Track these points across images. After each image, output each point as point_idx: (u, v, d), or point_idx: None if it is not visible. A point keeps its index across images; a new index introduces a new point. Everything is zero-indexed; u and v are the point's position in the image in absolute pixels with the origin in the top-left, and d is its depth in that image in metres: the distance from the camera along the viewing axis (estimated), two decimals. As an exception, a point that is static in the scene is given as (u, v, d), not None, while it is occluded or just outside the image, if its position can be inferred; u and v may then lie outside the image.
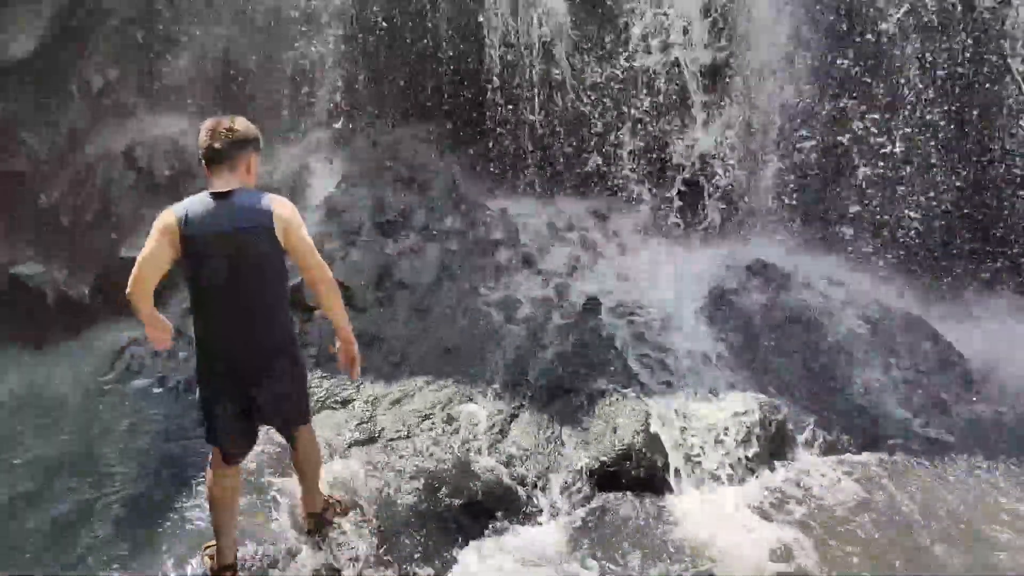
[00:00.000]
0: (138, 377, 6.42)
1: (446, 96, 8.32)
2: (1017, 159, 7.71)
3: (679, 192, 7.94)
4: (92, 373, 6.57)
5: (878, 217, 7.87)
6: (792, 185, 7.92)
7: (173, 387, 6.26)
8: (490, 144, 8.24)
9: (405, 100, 8.38)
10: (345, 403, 5.80)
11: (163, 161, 8.20)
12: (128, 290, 3.64)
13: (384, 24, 8.24)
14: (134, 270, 3.61)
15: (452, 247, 7.49)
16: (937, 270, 7.86)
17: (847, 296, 7.36)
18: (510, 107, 8.18)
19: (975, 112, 7.72)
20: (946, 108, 7.71)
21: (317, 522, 4.45)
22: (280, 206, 3.67)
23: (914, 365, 6.50)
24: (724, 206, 7.97)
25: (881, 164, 7.85)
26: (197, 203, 3.66)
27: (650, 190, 7.99)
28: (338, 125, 8.44)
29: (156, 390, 6.28)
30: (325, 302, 3.85)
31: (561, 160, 8.30)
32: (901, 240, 7.85)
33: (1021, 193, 7.75)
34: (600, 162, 8.09)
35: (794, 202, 7.94)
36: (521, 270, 7.52)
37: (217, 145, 3.68)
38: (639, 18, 7.99)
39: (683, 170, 7.94)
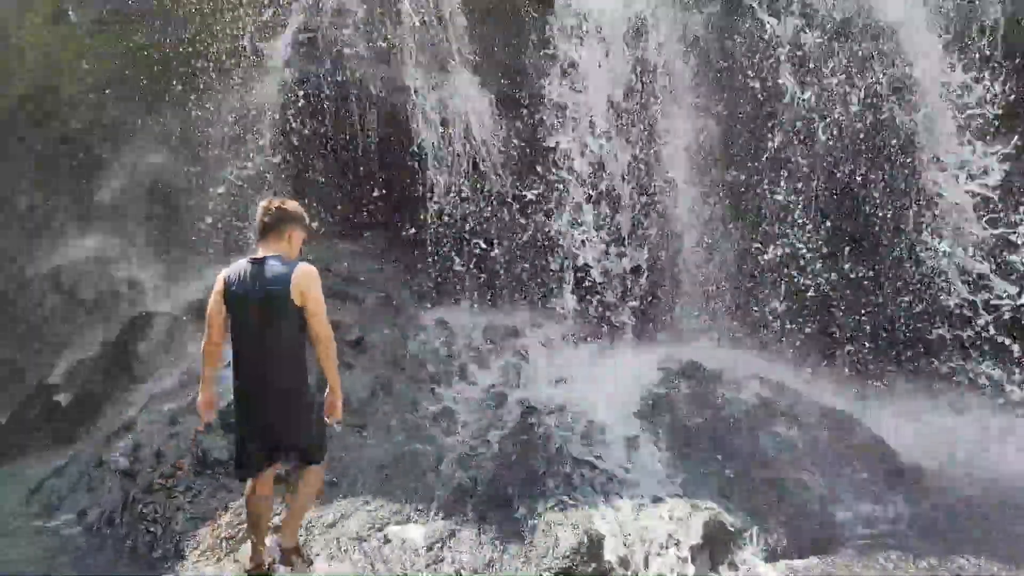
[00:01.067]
0: (57, 513, 6.08)
1: (380, 209, 8.40)
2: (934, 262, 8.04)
3: (608, 298, 8.06)
4: (9, 513, 6.18)
5: (806, 316, 8.08)
6: (723, 285, 8.12)
7: (93, 522, 5.91)
8: (425, 256, 8.31)
9: (339, 214, 8.42)
10: (277, 529, 5.59)
11: (89, 284, 8.06)
12: (203, 344, 4.55)
13: (316, 141, 8.35)
14: (206, 327, 4.53)
15: (388, 359, 7.43)
16: (869, 367, 8.05)
17: (781, 396, 7.44)
18: (443, 218, 8.29)
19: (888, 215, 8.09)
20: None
21: (293, 556, 4.94)
22: (299, 275, 4.41)
23: (851, 465, 6.56)
24: (652, 309, 8.11)
25: (805, 264, 8.12)
26: (238, 268, 4.52)
27: (582, 297, 8.08)
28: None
29: (71, 530, 5.93)
30: (320, 355, 4.50)
31: (496, 270, 8.39)
32: (833, 338, 8.07)
33: (944, 289, 8.06)
34: (529, 269, 8.18)
35: (724, 303, 8.12)
36: (458, 381, 7.48)
37: (266, 219, 4.53)
38: (563, 133, 8.27)
39: (612, 276, 8.07)
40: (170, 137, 8.73)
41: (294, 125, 8.19)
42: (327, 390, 4.62)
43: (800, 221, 8.01)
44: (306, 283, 4.41)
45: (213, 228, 8.30)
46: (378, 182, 8.41)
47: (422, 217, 8.30)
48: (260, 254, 4.50)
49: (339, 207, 8.37)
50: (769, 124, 8.14)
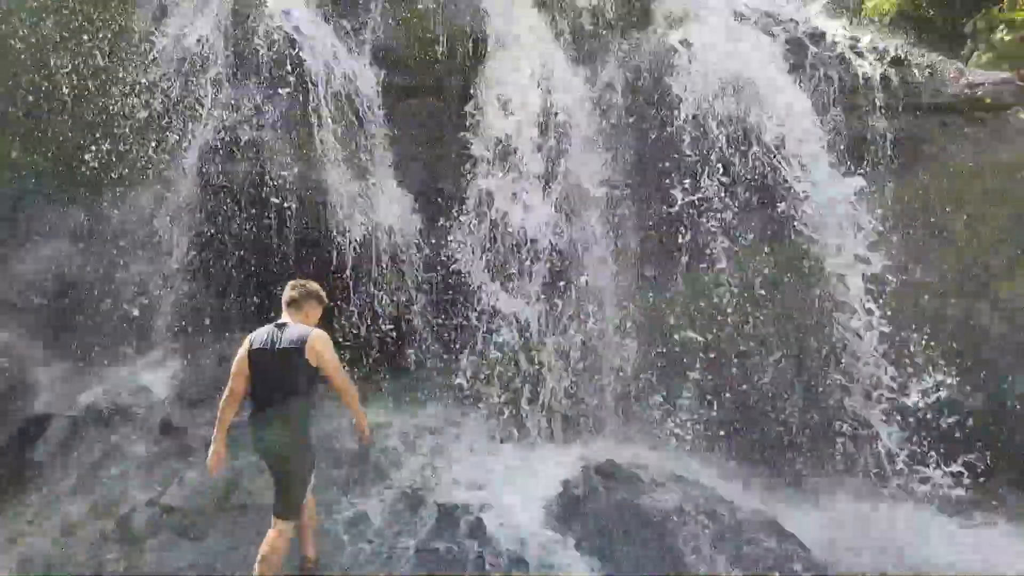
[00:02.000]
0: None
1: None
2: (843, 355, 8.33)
3: (529, 396, 8.06)
4: None
5: (716, 414, 8.22)
6: (640, 385, 8.22)
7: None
8: (342, 355, 8.17)
9: (250, 314, 8.24)
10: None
11: (-13, 382, 7.67)
12: (224, 397, 5.29)
13: (230, 239, 8.24)
14: (229, 381, 5.34)
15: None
16: (777, 460, 8.19)
17: (695, 493, 7.49)
18: (361, 317, 8.22)
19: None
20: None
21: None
22: (313, 338, 5.30)
23: (763, 563, 6.59)
24: (570, 409, 8.13)
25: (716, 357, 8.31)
26: (265, 329, 5.44)
27: (499, 395, 8.06)
28: (176, 345, 8.18)
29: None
30: (346, 402, 5.52)
31: (413, 369, 8.32)
32: (743, 434, 8.20)
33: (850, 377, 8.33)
34: (441, 367, 8.15)
35: (640, 402, 8.21)
36: (374, 483, 7.30)
37: (293, 293, 5.55)
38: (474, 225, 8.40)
39: (524, 373, 8.09)
40: (78, 230, 8.49)
41: (208, 225, 8.07)
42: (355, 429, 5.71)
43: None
44: (320, 345, 5.30)
45: (119, 326, 8.05)
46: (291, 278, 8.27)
47: (337, 316, 8.21)
48: (283, 320, 5.45)
49: (252, 306, 8.19)
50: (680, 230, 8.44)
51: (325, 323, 7.50)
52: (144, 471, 7.10)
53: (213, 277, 8.12)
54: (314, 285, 5.67)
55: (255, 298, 8.10)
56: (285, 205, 7.99)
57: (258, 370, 5.29)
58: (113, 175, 8.15)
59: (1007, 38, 13.78)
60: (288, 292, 5.58)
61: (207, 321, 8.09)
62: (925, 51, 9.17)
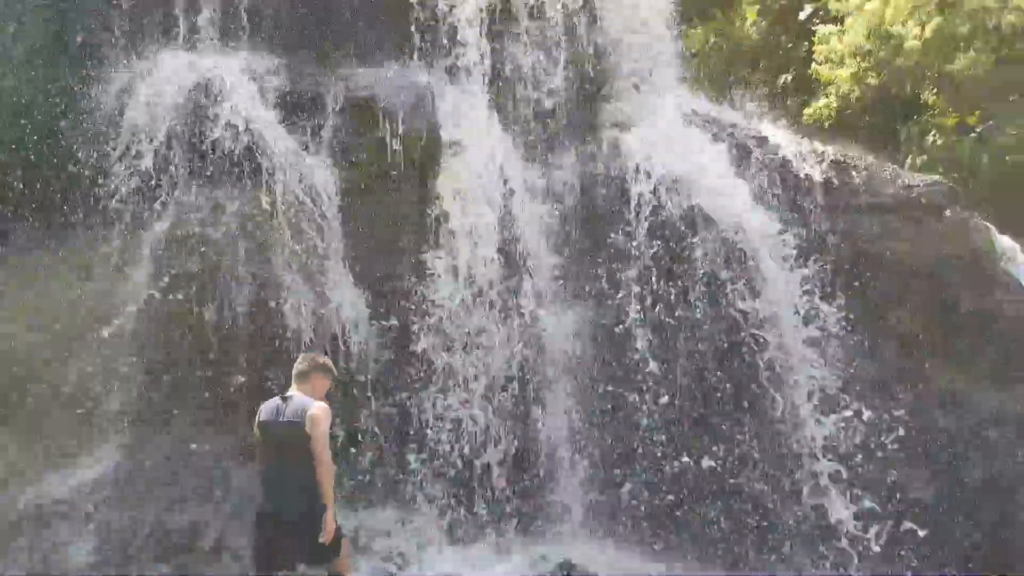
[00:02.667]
0: None
1: (244, 404, 8.12)
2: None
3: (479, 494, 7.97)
4: None
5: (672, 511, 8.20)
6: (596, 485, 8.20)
7: None
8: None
9: (202, 409, 8.07)
10: None
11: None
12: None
13: (180, 334, 8.10)
14: None
15: (245, 567, 6.98)
16: (740, 562, 8.17)
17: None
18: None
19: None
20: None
21: None
22: (315, 410, 5.44)
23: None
24: (525, 504, 8.06)
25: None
26: (272, 402, 5.69)
27: (452, 494, 7.96)
28: (125, 440, 7.94)
29: None
30: (319, 473, 5.42)
31: (365, 468, 8.18)
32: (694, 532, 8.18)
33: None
34: (393, 471, 8.04)
35: (598, 499, 8.17)
36: (322, 589, 7.08)
37: (301, 366, 5.75)
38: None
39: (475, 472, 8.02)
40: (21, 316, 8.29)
41: (155, 324, 7.95)
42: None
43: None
44: (317, 416, 5.41)
45: (62, 421, 7.82)
46: (245, 376, 8.15)
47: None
48: (289, 393, 5.64)
49: (198, 401, 8.01)
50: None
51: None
52: (83, 579, 6.83)
53: (161, 372, 7.97)
54: (322, 358, 5.95)
55: (205, 394, 7.95)
56: (236, 301, 7.94)
57: (264, 442, 5.59)
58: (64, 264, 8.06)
59: (939, 142, 14.50)
60: (296, 365, 5.81)
61: (153, 418, 7.89)
62: (863, 155, 9.62)
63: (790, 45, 16.90)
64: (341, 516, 7.75)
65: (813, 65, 15.87)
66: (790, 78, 16.42)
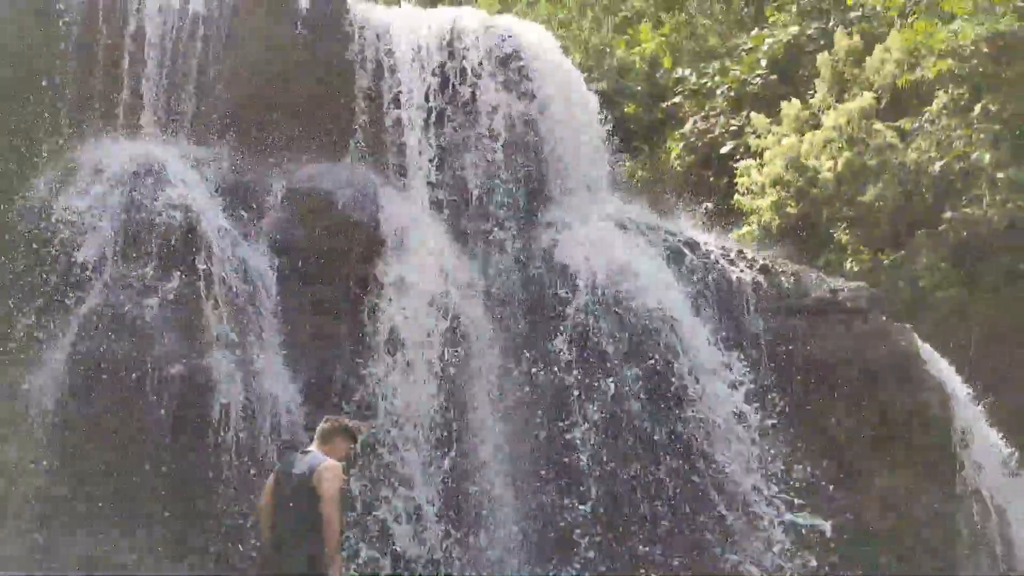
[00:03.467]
0: None
1: (166, 497, 7.62)
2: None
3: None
4: None
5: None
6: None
7: None
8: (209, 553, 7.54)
9: (118, 503, 7.54)
10: None
11: None
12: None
13: (99, 423, 7.67)
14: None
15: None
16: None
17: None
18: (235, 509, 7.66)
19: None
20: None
21: None
22: (323, 468, 5.30)
23: None
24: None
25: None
26: (289, 455, 5.78)
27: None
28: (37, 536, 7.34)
29: None
30: (326, 533, 5.23)
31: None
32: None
33: None
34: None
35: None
36: None
37: (324, 426, 5.66)
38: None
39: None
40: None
41: (76, 405, 7.57)
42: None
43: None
44: (326, 473, 5.30)
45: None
46: (167, 467, 7.72)
47: (217, 506, 7.66)
48: (308, 448, 5.63)
49: (118, 494, 7.51)
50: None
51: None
52: None
53: (78, 462, 7.48)
54: (346, 421, 5.97)
55: (125, 486, 7.47)
56: (162, 384, 7.64)
57: (278, 495, 5.52)
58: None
59: (855, 269, 15.12)
60: (321, 425, 5.78)
61: (66, 509, 7.35)
62: (789, 261, 10.02)
63: (712, 178, 17.75)
64: None
65: (735, 196, 16.63)
66: (712, 207, 17.17)
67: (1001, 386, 10.25)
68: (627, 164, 17.99)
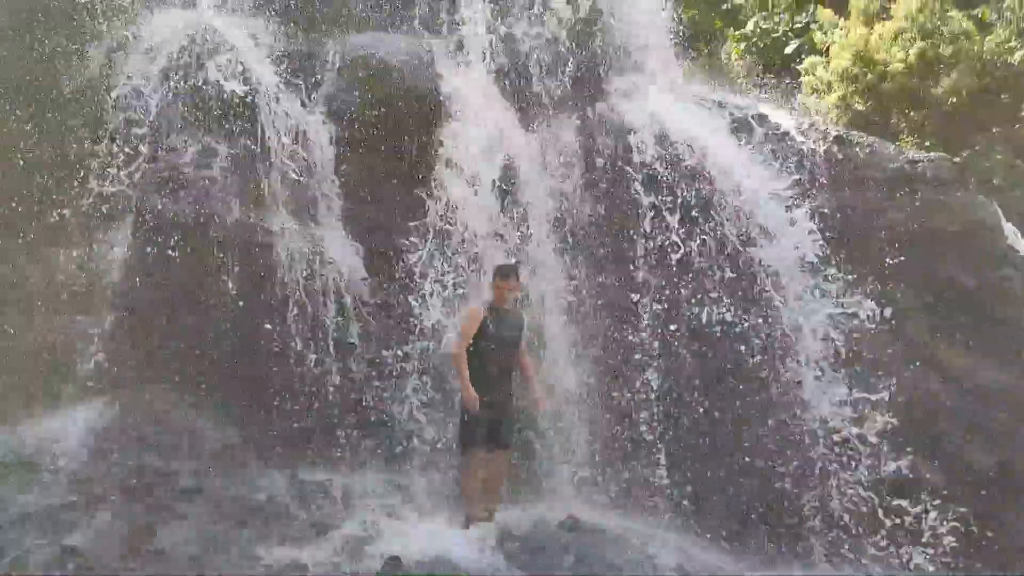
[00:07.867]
0: None
1: (230, 361, 7.63)
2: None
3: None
4: None
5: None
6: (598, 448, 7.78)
7: None
8: (272, 410, 7.55)
9: (184, 364, 7.54)
10: None
11: None
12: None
13: (167, 288, 7.67)
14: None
15: (224, 512, 6.47)
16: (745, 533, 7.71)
17: (664, 557, 6.92)
18: (298, 371, 7.65)
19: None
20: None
21: None
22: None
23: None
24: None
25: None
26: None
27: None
28: (101, 398, 7.41)
29: None
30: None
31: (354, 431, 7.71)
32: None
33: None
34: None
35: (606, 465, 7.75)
36: (312, 538, 6.53)
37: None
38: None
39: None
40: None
41: (143, 265, 7.58)
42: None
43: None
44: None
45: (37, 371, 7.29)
46: (234, 336, 7.71)
47: (275, 371, 7.65)
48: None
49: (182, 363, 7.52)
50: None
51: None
52: (45, 516, 6.23)
53: (145, 323, 7.52)
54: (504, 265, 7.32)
55: (193, 347, 7.49)
56: (228, 250, 7.60)
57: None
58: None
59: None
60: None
61: (134, 370, 7.40)
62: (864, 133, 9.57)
63: (774, 78, 17.19)
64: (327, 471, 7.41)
65: (799, 97, 16.06)
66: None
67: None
68: (685, 66, 17.47)
